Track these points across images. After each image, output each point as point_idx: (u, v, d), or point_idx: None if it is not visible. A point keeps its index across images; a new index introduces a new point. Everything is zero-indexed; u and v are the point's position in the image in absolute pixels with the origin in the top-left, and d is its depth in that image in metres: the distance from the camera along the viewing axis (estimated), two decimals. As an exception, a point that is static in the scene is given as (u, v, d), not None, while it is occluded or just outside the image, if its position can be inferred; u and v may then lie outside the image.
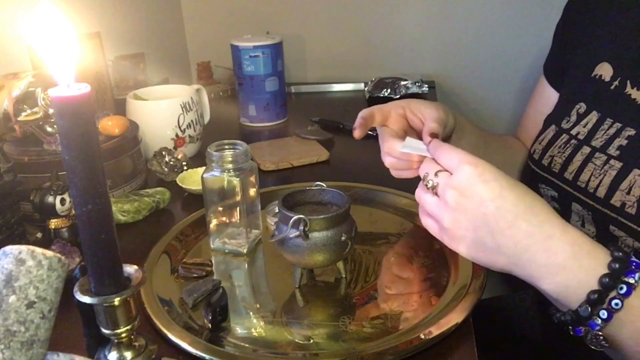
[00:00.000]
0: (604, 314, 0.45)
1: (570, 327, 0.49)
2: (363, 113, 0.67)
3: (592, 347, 0.47)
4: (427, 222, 0.56)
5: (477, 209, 0.49)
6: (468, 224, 0.50)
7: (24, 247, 0.37)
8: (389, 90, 1.32)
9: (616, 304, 0.45)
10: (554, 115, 0.77)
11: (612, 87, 0.68)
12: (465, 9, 1.44)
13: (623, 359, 0.49)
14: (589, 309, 0.46)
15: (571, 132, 0.71)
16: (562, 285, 0.47)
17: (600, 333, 0.46)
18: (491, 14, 1.43)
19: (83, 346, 0.47)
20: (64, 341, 0.52)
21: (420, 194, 0.55)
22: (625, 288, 0.45)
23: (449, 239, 0.53)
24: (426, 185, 0.53)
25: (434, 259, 0.65)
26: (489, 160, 0.51)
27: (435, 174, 0.52)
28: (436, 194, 0.53)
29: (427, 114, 0.65)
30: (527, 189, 0.50)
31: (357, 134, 0.65)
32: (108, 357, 0.43)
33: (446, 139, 0.68)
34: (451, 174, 0.51)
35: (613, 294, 0.45)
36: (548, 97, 0.82)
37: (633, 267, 0.45)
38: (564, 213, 0.70)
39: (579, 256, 0.47)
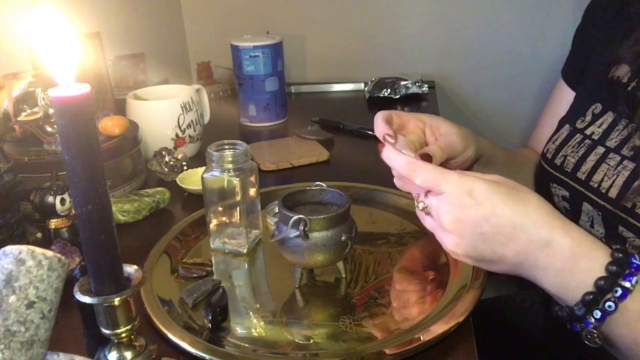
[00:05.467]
0: (597, 314, 0.46)
1: (567, 323, 0.50)
2: (383, 116, 0.61)
3: (587, 343, 0.48)
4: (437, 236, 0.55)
5: (474, 230, 0.49)
6: (467, 243, 0.50)
7: (24, 247, 0.37)
8: (389, 90, 1.32)
9: (609, 307, 0.46)
10: (568, 116, 0.77)
11: (629, 88, 0.67)
12: (466, 9, 1.44)
13: (621, 355, 0.50)
14: (584, 308, 0.47)
15: (585, 132, 0.70)
16: (561, 286, 0.48)
17: (594, 331, 0.47)
18: (491, 14, 1.43)
19: (83, 346, 0.47)
20: (64, 341, 0.52)
21: (417, 212, 0.55)
22: (620, 291, 0.45)
23: (452, 255, 0.53)
24: (418, 207, 0.54)
25: (434, 259, 0.65)
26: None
27: (425, 195, 0.53)
28: (429, 213, 0.53)
29: (442, 137, 0.63)
30: (520, 197, 0.50)
31: (387, 141, 0.58)
32: (108, 357, 0.43)
33: (468, 167, 0.67)
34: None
35: (608, 296, 0.46)
36: (568, 101, 0.81)
37: (632, 269, 0.46)
38: (574, 213, 0.70)
39: (577, 258, 0.47)
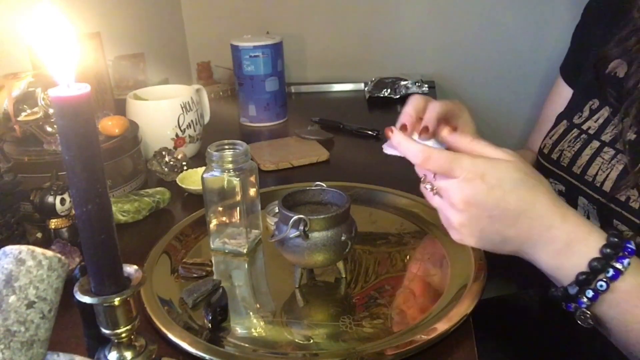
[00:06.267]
0: (589, 293, 0.49)
1: (562, 303, 0.52)
2: (439, 108, 0.61)
3: (580, 324, 0.50)
4: (441, 216, 0.56)
5: (483, 214, 0.51)
6: (475, 224, 0.52)
7: (24, 247, 0.37)
8: (389, 90, 1.32)
9: (600, 286, 0.48)
10: (566, 112, 0.78)
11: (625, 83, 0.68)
12: (465, 9, 1.44)
13: (614, 338, 0.52)
14: (577, 288, 0.49)
15: (582, 127, 0.72)
16: (557, 267, 0.51)
17: (587, 311, 0.50)
18: (491, 14, 1.43)
19: (83, 346, 0.47)
20: (64, 341, 0.52)
21: (424, 192, 0.56)
22: (612, 272, 0.48)
23: (457, 234, 0.54)
24: (426, 188, 0.54)
25: (435, 258, 0.65)
26: None
27: (434, 176, 0.53)
28: (437, 193, 0.54)
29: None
30: (530, 184, 0.51)
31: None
32: (108, 357, 0.43)
33: None
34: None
35: (601, 276, 0.48)
36: (566, 98, 0.82)
37: (626, 252, 0.48)
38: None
39: (574, 242, 0.50)
